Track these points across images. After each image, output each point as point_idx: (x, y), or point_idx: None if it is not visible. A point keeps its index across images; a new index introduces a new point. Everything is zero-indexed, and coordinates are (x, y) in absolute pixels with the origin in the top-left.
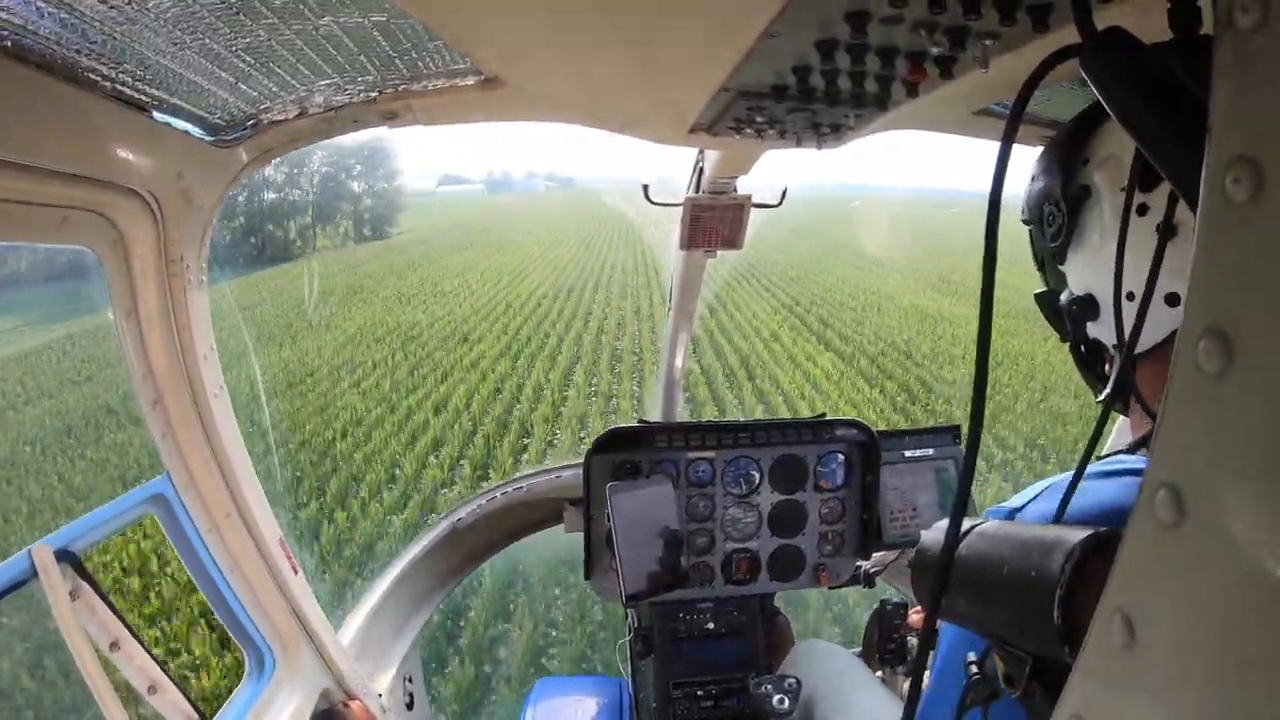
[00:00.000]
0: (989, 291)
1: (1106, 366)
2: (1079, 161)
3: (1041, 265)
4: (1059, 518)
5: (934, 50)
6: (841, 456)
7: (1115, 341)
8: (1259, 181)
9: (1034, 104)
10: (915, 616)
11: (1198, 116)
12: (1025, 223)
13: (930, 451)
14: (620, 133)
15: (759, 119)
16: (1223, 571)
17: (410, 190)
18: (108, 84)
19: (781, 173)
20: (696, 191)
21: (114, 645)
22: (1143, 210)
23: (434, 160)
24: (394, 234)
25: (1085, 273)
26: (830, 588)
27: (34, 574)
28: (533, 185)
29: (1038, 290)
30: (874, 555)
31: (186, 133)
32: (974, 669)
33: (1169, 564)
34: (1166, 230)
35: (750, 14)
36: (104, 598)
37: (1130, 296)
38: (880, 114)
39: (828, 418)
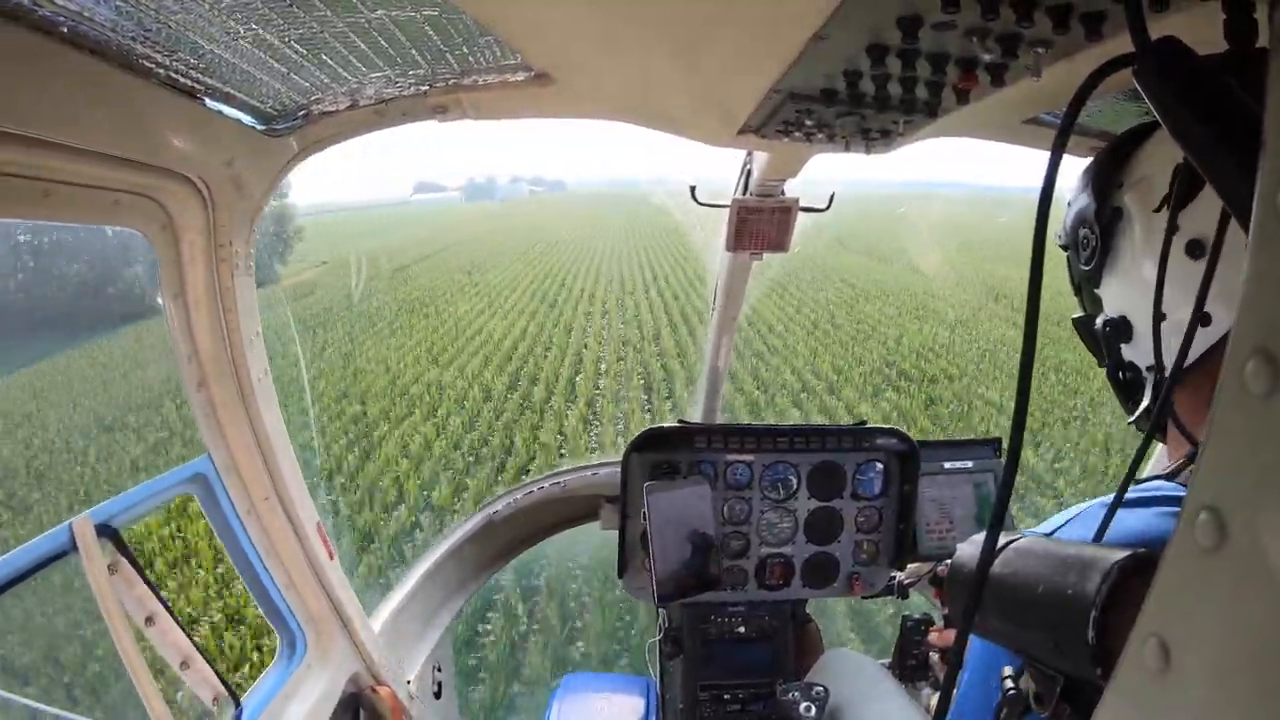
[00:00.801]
0: (1034, 304)
1: (1143, 390)
2: (1114, 185)
3: (1078, 290)
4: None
5: (986, 57)
6: (880, 465)
7: (1149, 364)
8: None
9: (1084, 115)
10: (936, 634)
11: (1252, 132)
12: (1062, 248)
13: (969, 464)
14: (669, 133)
15: (808, 122)
16: (1263, 598)
17: (383, 201)
18: (161, 71)
19: (826, 172)
20: (744, 193)
21: (149, 620)
22: (1174, 229)
23: (407, 166)
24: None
25: (1119, 295)
26: (863, 597)
27: (74, 547)
28: (516, 190)
29: (1075, 315)
30: (908, 567)
31: (238, 121)
32: (1010, 684)
33: (1208, 589)
34: (1216, 250)
35: (801, 16)
36: (141, 573)
37: (1163, 318)
38: (930, 120)
39: (868, 425)
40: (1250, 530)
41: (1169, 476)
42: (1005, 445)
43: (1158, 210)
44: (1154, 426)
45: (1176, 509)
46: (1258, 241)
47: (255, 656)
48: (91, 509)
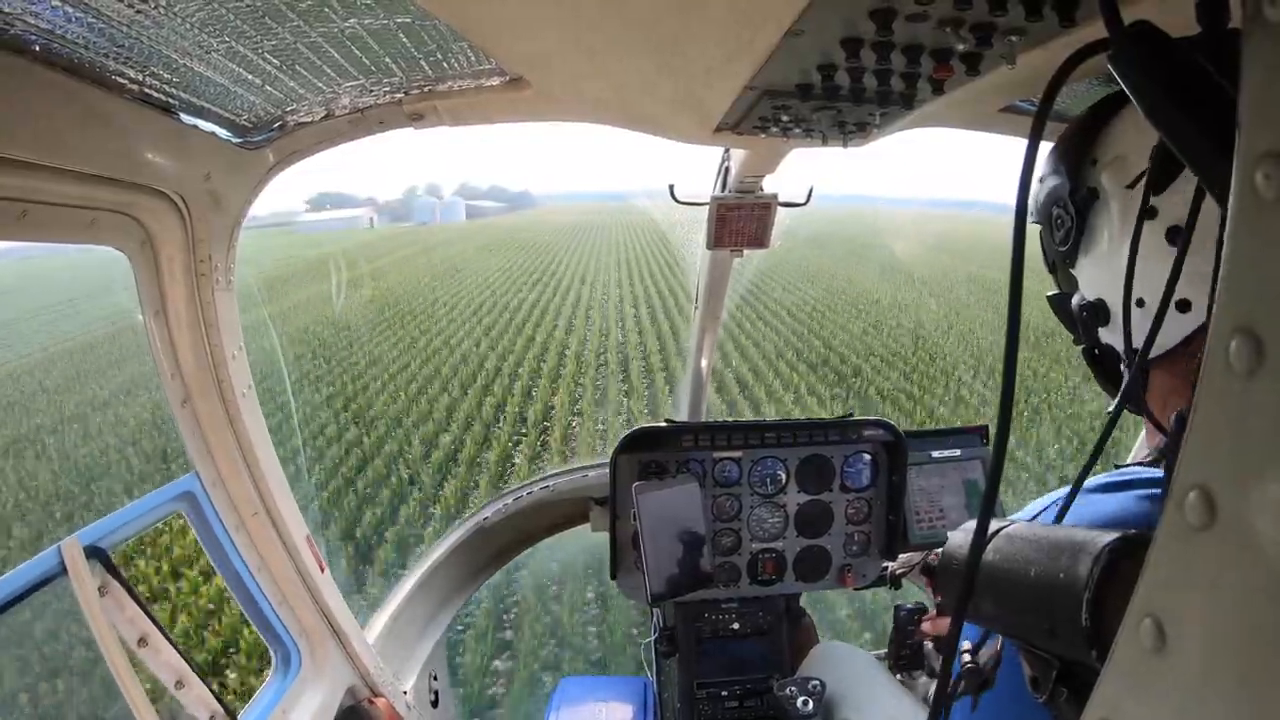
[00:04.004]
0: (1017, 290)
1: (1120, 371)
2: (1087, 162)
3: (1053, 268)
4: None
5: (960, 47)
6: (868, 457)
7: (1126, 347)
8: None
9: (1059, 100)
10: (928, 623)
11: (1227, 112)
12: (1035, 223)
13: (957, 452)
14: (645, 133)
15: (784, 118)
16: (1255, 574)
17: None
18: (135, 87)
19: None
20: (723, 191)
21: (142, 641)
22: (1152, 214)
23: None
24: None
25: (1095, 277)
26: (856, 589)
27: (63, 570)
28: (451, 211)
29: (1050, 293)
30: (900, 556)
31: (213, 135)
32: (967, 657)
33: (1200, 567)
34: (1188, 236)
35: (774, 12)
36: (132, 594)
37: (1140, 303)
38: (906, 112)
39: (855, 417)
40: (1239, 508)
41: (1153, 464)
42: (993, 432)
43: (1130, 187)
44: (1119, 410)
45: (1153, 492)
46: (1237, 221)
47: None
48: (80, 531)
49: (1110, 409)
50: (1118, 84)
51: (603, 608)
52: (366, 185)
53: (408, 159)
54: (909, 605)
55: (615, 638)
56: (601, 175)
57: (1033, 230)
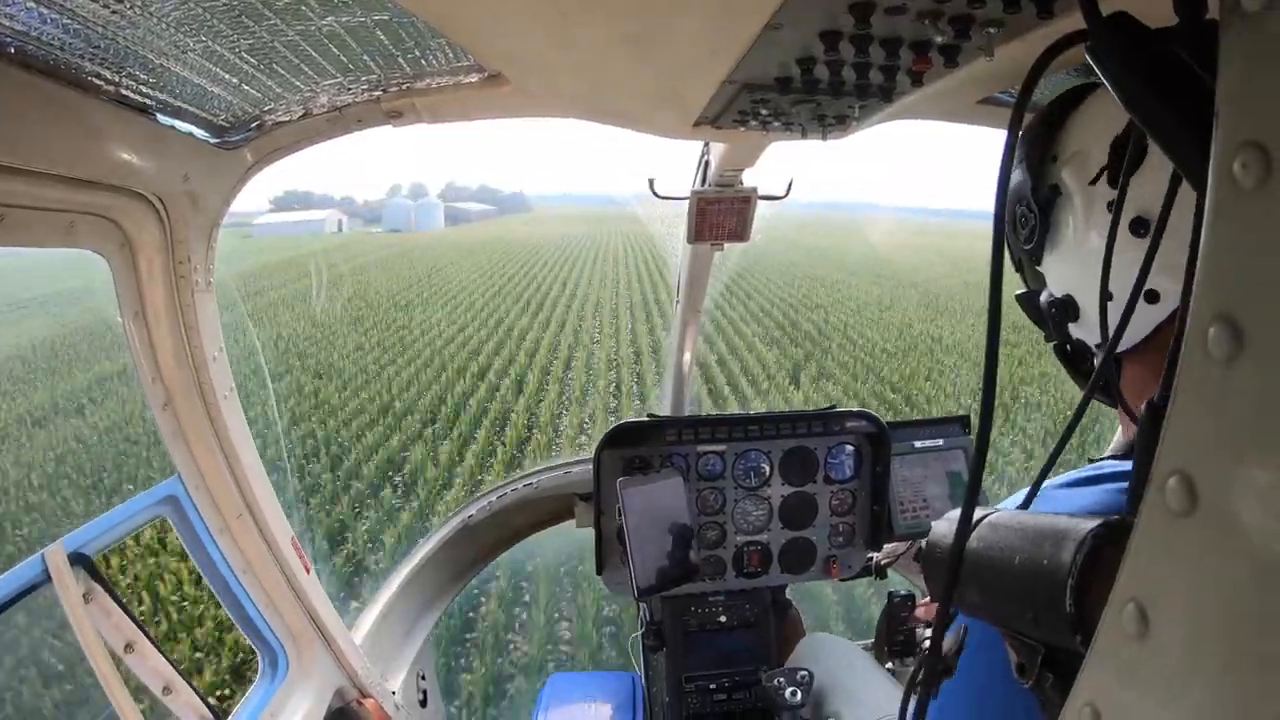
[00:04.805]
0: (997, 277)
1: (1091, 366)
2: (1047, 158)
3: (1019, 266)
4: None
5: (939, 39)
6: (851, 448)
7: (1098, 341)
8: (1267, 166)
9: (1038, 92)
10: (923, 609)
11: (1205, 102)
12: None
13: (940, 442)
14: (624, 128)
15: (764, 111)
16: (1236, 559)
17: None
18: (111, 88)
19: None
20: (703, 185)
21: (128, 647)
22: (1119, 209)
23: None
24: None
25: (1063, 274)
26: (841, 579)
27: (47, 578)
28: (428, 215)
29: (1018, 292)
30: (885, 547)
31: (191, 135)
32: (927, 644)
33: (1182, 552)
34: (1160, 226)
35: (753, 6)
36: (117, 600)
37: (1110, 297)
38: (885, 104)
39: (838, 409)
40: (1220, 493)
41: (1125, 457)
42: (975, 421)
43: (1093, 183)
44: (1087, 399)
45: (1126, 484)
46: (1215, 209)
47: None
48: (64, 537)
49: (1082, 402)
50: (1095, 75)
51: (586, 603)
52: (343, 184)
53: (392, 156)
54: (901, 592)
55: (594, 630)
56: (605, 176)
57: None
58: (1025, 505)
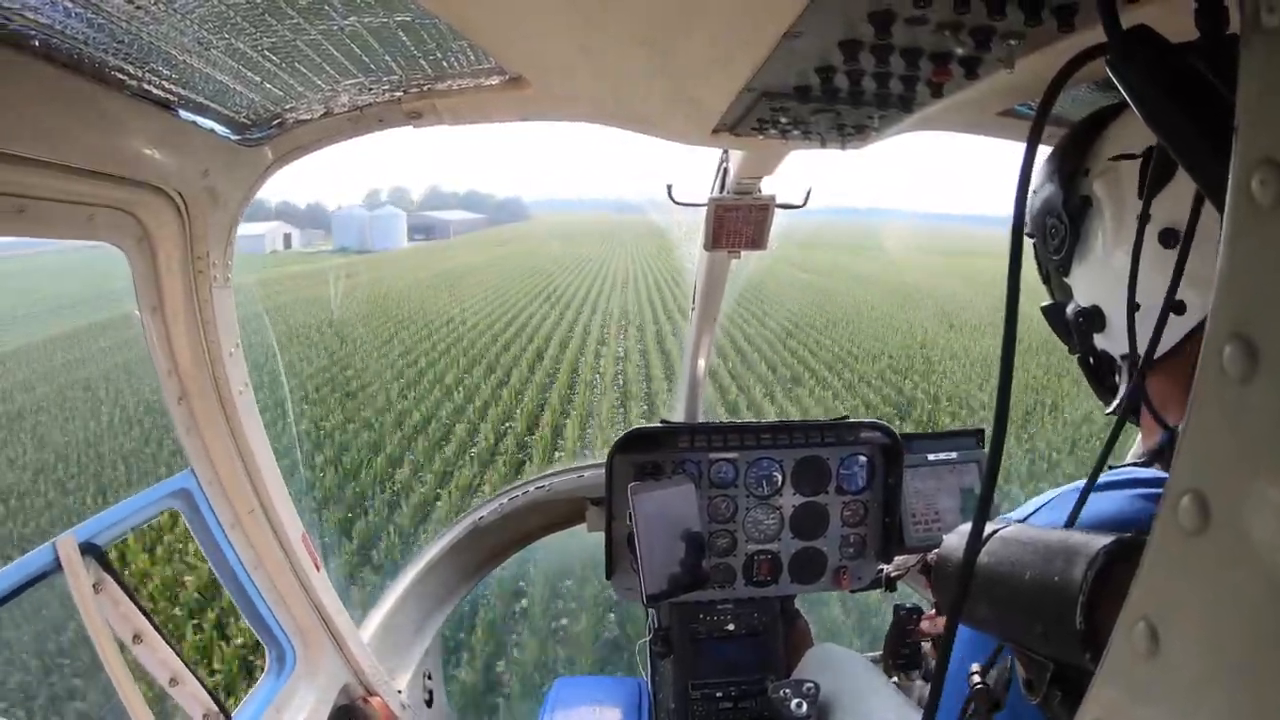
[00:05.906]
0: (1014, 293)
1: (1116, 378)
2: (1079, 172)
3: (1047, 278)
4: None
5: (959, 51)
6: (864, 459)
7: (1124, 352)
8: None
9: (1058, 105)
10: (928, 622)
11: (1225, 118)
12: (1028, 235)
13: (953, 455)
14: (644, 133)
15: (783, 119)
16: (1248, 578)
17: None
18: (134, 83)
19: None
20: (721, 192)
21: (136, 638)
22: (1146, 218)
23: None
24: None
25: (1091, 285)
26: (851, 591)
27: (58, 566)
28: (386, 229)
29: (1044, 303)
30: (896, 559)
31: (212, 132)
32: (976, 679)
33: (1194, 571)
34: (1188, 238)
35: (773, 14)
36: (127, 590)
37: (1137, 307)
38: (905, 115)
39: (850, 419)
40: (1233, 512)
41: (1147, 463)
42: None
43: (1123, 194)
44: (1126, 413)
45: (1149, 491)
46: (1232, 226)
47: None
48: (75, 528)
49: (1109, 412)
50: (1115, 89)
51: (596, 607)
52: (313, 191)
53: (376, 158)
54: (908, 604)
55: (601, 636)
56: (616, 181)
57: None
58: (1071, 521)
